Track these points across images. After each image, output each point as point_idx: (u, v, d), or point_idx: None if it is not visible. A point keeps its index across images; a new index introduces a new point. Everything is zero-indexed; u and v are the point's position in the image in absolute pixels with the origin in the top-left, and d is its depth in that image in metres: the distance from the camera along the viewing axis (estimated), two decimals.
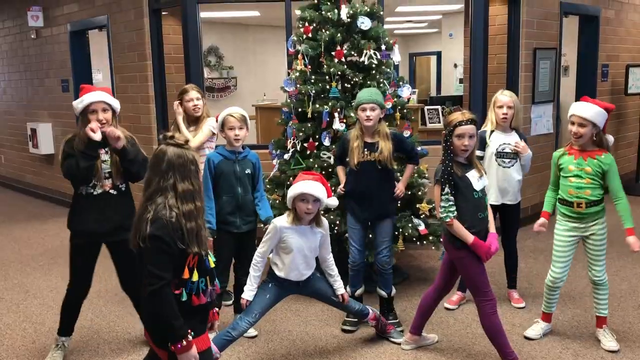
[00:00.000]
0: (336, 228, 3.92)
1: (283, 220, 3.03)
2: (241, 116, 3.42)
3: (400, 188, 3.58)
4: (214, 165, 3.41)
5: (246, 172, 3.45)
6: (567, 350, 3.23)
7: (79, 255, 3.14)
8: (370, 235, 3.72)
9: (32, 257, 5.27)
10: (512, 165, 3.76)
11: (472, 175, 2.95)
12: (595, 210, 3.18)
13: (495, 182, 3.74)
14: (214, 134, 3.98)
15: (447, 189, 2.90)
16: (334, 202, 3.11)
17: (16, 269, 4.95)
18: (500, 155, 3.75)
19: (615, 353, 3.20)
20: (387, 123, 4.13)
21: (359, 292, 3.62)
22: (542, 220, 3.34)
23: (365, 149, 3.43)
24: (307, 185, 2.93)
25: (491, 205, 3.62)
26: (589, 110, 3.12)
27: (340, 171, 3.68)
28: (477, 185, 2.95)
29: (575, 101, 3.57)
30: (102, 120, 3.01)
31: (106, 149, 3.05)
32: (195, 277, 2.10)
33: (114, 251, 3.18)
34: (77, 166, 2.94)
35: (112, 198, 3.08)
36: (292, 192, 2.97)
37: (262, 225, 3.49)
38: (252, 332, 3.44)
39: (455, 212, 2.90)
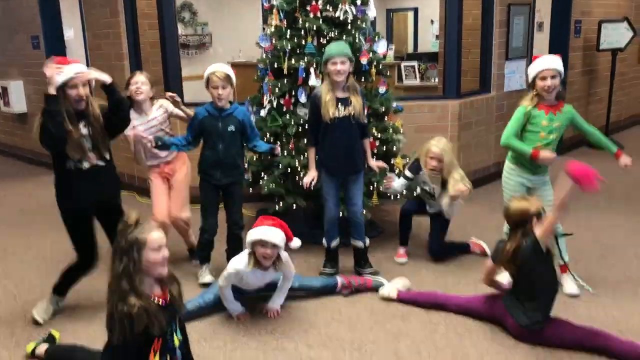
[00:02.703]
0: (300, 183, 3.98)
1: (244, 264, 3.10)
2: (225, 75, 3.46)
3: (375, 164, 3.73)
4: (198, 120, 3.53)
5: (229, 129, 3.51)
6: None
7: (75, 230, 3.18)
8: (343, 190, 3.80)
9: (8, 216, 5.26)
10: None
11: None
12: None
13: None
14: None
15: None
16: (297, 243, 3.18)
17: None
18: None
19: (576, 297, 3.38)
20: (362, 79, 4.20)
21: (334, 244, 3.73)
22: (545, 154, 3.35)
23: (339, 104, 3.47)
24: (266, 232, 3.02)
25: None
26: (558, 62, 3.28)
27: (311, 154, 3.62)
28: None
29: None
30: (81, 96, 2.98)
31: (84, 122, 3.03)
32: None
33: (105, 217, 3.23)
34: (49, 130, 2.91)
35: (100, 170, 3.11)
36: (250, 237, 3.05)
37: (273, 157, 3.82)
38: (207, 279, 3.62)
39: None
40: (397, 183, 3.97)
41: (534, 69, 3.31)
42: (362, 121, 3.54)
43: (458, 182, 3.77)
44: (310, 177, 3.59)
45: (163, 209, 3.80)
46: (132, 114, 3.67)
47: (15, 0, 7.01)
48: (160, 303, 2.28)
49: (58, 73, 2.92)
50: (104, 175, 3.14)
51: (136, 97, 3.74)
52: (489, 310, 3.06)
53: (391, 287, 3.43)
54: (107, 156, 3.15)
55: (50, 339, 2.93)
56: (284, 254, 3.17)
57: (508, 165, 3.53)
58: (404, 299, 3.37)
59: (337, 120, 3.46)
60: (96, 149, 3.08)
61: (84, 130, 3.03)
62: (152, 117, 3.79)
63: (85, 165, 3.06)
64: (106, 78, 3.05)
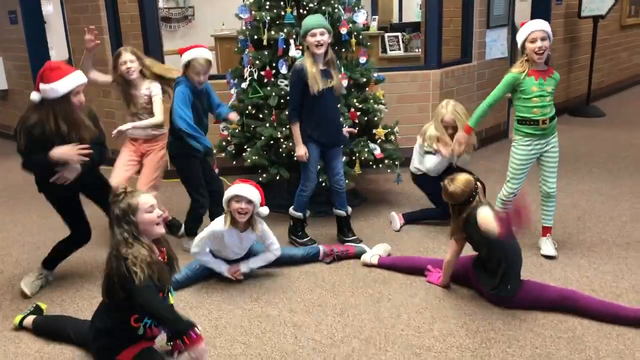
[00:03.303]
0: (294, 155, 4.02)
1: (220, 225, 3.19)
2: (207, 61, 3.50)
3: (347, 130, 3.80)
4: (191, 101, 3.51)
5: (205, 106, 3.69)
6: None
7: (64, 210, 3.22)
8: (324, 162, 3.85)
9: None
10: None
11: None
12: (554, 123, 3.42)
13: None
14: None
15: None
16: (265, 211, 3.25)
17: None
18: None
19: (553, 259, 3.48)
20: (343, 49, 4.21)
21: (307, 215, 3.82)
22: (461, 134, 3.53)
23: (323, 77, 3.49)
24: (241, 187, 3.14)
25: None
26: (546, 24, 3.28)
27: (297, 129, 3.59)
28: None
29: None
30: (76, 104, 2.97)
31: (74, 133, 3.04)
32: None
33: (91, 192, 3.29)
34: (44, 167, 2.96)
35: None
36: (227, 194, 3.15)
37: (226, 121, 3.94)
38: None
39: None
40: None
41: (523, 33, 3.29)
42: (343, 91, 3.57)
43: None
44: (303, 151, 3.59)
45: (120, 176, 3.72)
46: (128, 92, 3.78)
47: None
48: (161, 259, 2.38)
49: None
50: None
51: (129, 77, 3.74)
52: (464, 274, 3.14)
53: (372, 254, 3.51)
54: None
55: (37, 310, 2.98)
56: (260, 219, 3.26)
57: (515, 135, 3.49)
58: (384, 265, 3.45)
59: (325, 91, 3.49)
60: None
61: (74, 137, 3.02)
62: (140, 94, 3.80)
63: None
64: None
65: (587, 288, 3.12)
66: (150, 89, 3.78)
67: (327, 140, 3.64)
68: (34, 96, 2.93)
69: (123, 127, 3.69)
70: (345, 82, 4.08)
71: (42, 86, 2.89)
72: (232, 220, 3.19)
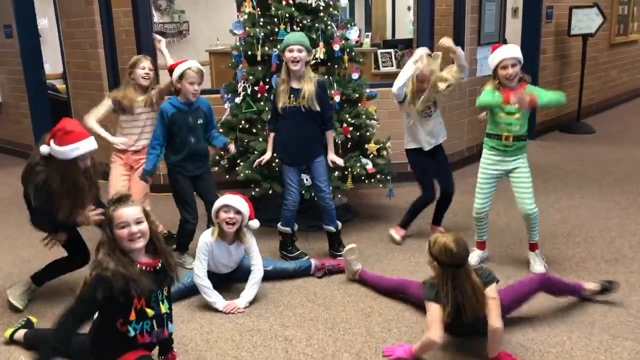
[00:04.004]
0: (277, 168, 4.05)
1: (209, 236, 3.22)
2: (199, 70, 3.57)
3: (331, 159, 3.67)
4: (168, 117, 3.57)
5: (198, 122, 3.66)
6: (501, 274, 3.46)
7: (58, 234, 3.24)
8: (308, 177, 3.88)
9: None
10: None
11: None
12: (520, 145, 3.44)
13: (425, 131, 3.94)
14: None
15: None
16: (255, 224, 3.28)
17: None
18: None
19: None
20: (335, 66, 4.26)
21: (295, 228, 3.85)
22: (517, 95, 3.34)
23: (292, 95, 3.54)
24: (230, 198, 3.19)
25: (427, 151, 3.92)
26: (517, 50, 3.36)
27: (270, 138, 3.72)
28: None
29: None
30: (82, 167, 3.01)
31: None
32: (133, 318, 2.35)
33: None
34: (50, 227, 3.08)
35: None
36: (216, 205, 3.20)
37: (222, 154, 3.91)
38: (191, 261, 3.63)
39: None
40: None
41: (495, 59, 3.36)
42: (314, 108, 3.52)
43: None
44: (261, 158, 3.71)
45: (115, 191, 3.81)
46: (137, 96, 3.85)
47: None
48: (143, 267, 2.35)
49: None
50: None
51: (142, 82, 3.81)
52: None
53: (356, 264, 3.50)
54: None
55: (28, 324, 2.98)
56: (249, 233, 3.29)
57: (483, 153, 3.57)
58: (363, 279, 3.44)
59: (288, 109, 3.55)
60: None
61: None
62: (145, 111, 3.88)
63: None
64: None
65: (577, 303, 3.15)
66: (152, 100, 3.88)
67: (293, 158, 3.68)
68: (44, 150, 2.94)
69: (115, 140, 3.81)
70: (337, 98, 4.14)
71: (52, 145, 2.91)
72: (220, 232, 3.21)
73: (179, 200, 3.72)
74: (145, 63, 3.84)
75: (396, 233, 4.08)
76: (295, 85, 3.54)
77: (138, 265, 2.35)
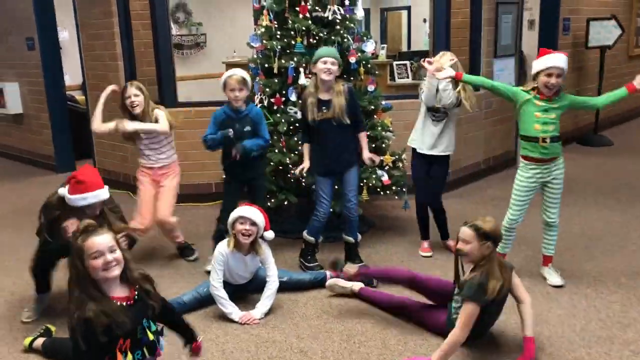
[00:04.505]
0: (303, 180, 4.07)
1: (224, 247, 3.26)
2: (240, 78, 3.66)
3: (367, 156, 3.69)
4: (218, 120, 3.74)
5: (245, 129, 3.72)
6: None
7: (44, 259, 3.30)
8: (336, 186, 3.88)
9: (4, 215, 5.33)
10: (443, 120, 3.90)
11: None
12: (557, 146, 3.39)
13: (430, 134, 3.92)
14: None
15: None
16: (270, 235, 3.31)
17: None
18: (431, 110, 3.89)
19: (560, 287, 3.47)
20: (352, 78, 4.28)
21: (320, 240, 3.86)
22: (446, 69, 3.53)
23: (323, 107, 3.57)
24: (246, 209, 3.24)
25: (425, 155, 3.89)
26: (565, 61, 3.29)
27: (305, 148, 3.75)
28: None
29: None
30: (97, 214, 3.05)
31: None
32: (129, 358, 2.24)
33: None
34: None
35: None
36: (231, 216, 3.24)
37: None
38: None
39: None
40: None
41: (541, 64, 3.29)
42: (344, 122, 3.56)
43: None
44: (300, 167, 3.72)
45: (148, 214, 3.90)
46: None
47: (10, 1, 7.07)
48: (123, 304, 2.23)
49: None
50: None
51: (133, 111, 3.84)
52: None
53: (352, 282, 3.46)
54: None
55: (46, 332, 3.01)
56: (265, 244, 3.31)
57: (520, 161, 3.52)
58: (363, 296, 3.38)
59: (318, 122, 3.59)
60: None
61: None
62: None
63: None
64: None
65: (595, 317, 3.11)
66: (158, 117, 3.89)
67: (327, 169, 3.70)
68: (60, 192, 3.05)
69: (128, 127, 3.81)
70: None
71: (65, 191, 3.02)
72: (235, 243, 3.24)
73: (222, 201, 3.87)
74: (130, 91, 3.82)
75: (426, 246, 4.09)
76: (324, 96, 3.57)
77: (116, 302, 2.21)
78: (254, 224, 3.20)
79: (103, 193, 3.06)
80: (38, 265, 3.30)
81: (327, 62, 3.49)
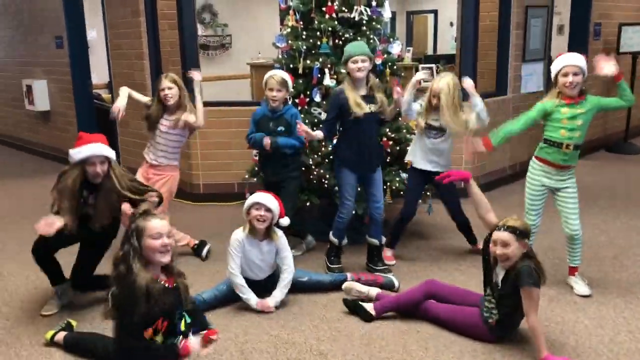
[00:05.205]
0: (325, 182, 4.04)
1: (240, 233, 3.29)
2: (281, 79, 3.75)
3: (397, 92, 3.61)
4: (257, 119, 3.88)
5: (279, 129, 3.77)
6: (544, 297, 3.38)
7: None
8: (359, 188, 3.84)
9: (30, 210, 5.38)
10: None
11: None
12: (575, 154, 3.35)
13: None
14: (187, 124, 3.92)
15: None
16: (285, 221, 3.34)
17: (14, 222, 5.08)
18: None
19: (588, 297, 3.38)
20: (377, 79, 4.23)
21: (344, 242, 3.82)
22: (478, 142, 3.46)
23: (367, 102, 3.53)
24: (261, 196, 3.29)
25: (423, 171, 3.85)
26: (580, 59, 3.26)
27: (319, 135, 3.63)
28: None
29: None
30: (99, 172, 3.07)
31: (93, 195, 3.13)
32: (158, 339, 2.42)
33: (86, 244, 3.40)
34: None
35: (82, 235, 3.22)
36: (247, 202, 3.28)
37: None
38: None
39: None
40: (408, 95, 3.77)
41: (556, 66, 3.28)
42: (389, 116, 3.66)
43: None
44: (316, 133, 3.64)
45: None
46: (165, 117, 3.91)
47: (40, 1, 7.19)
48: (166, 285, 2.37)
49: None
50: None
51: (167, 102, 3.86)
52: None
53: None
54: (107, 222, 3.20)
55: (68, 327, 3.02)
56: (281, 233, 3.34)
57: (532, 161, 3.49)
58: (381, 310, 3.22)
59: (365, 116, 3.52)
60: (95, 219, 3.15)
61: (90, 200, 3.14)
62: (169, 131, 3.92)
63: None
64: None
65: (625, 329, 3.02)
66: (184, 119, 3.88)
67: (364, 166, 3.65)
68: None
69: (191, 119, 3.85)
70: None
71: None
72: (251, 229, 3.27)
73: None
74: (164, 83, 3.84)
75: (385, 258, 3.92)
76: (362, 92, 3.55)
77: (160, 281, 2.38)
78: (268, 210, 3.24)
79: (98, 148, 3.06)
80: (40, 242, 3.27)
81: (357, 60, 3.46)
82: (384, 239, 3.82)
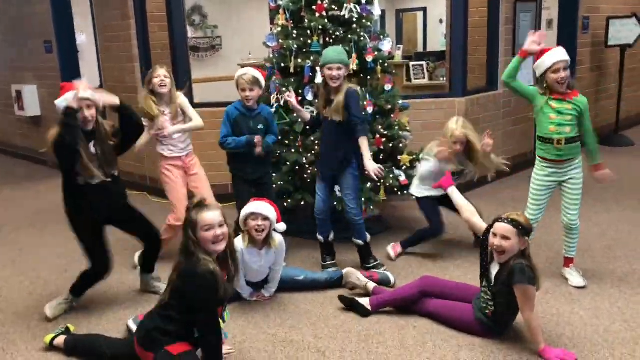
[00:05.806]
0: (308, 180, 4.06)
1: (240, 244, 3.26)
2: (252, 78, 3.69)
3: (367, 166, 3.42)
4: (232, 118, 3.77)
5: (259, 127, 3.78)
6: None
7: (86, 239, 3.26)
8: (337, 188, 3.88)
9: (23, 216, 5.37)
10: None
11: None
12: (574, 147, 3.32)
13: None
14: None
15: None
16: (282, 227, 3.33)
17: (9, 228, 5.06)
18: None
19: (582, 288, 3.41)
20: (368, 77, 4.25)
21: (331, 237, 3.85)
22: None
23: (327, 107, 3.60)
24: (256, 205, 3.25)
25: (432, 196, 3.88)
26: (565, 52, 3.28)
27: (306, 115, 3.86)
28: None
29: None
30: (87, 117, 3.07)
31: (93, 142, 3.13)
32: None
33: (119, 221, 3.36)
34: (66, 143, 2.97)
35: (108, 184, 3.19)
36: (243, 213, 3.26)
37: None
38: None
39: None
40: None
41: (546, 63, 3.24)
42: (336, 120, 3.52)
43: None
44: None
45: (184, 206, 3.82)
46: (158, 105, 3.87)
47: (28, 6, 7.15)
48: (223, 274, 2.49)
49: (84, 90, 3.03)
50: (112, 188, 3.22)
51: (160, 90, 3.85)
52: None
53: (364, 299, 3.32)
54: (115, 172, 3.24)
55: (67, 331, 3.01)
56: (278, 236, 3.33)
57: (536, 159, 3.48)
58: (375, 305, 3.23)
59: (325, 120, 3.64)
60: (102, 168, 3.15)
61: (92, 150, 3.12)
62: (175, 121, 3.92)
63: (95, 180, 3.13)
64: (114, 100, 3.17)
65: (619, 318, 3.05)
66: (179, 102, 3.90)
67: (323, 167, 3.74)
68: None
69: (172, 130, 3.84)
70: (370, 109, 4.12)
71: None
72: (250, 239, 3.26)
73: (236, 202, 3.82)
74: (160, 71, 3.86)
75: (392, 250, 4.01)
76: (332, 96, 3.57)
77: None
78: (266, 218, 3.22)
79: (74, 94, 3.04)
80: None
81: (332, 68, 3.48)
82: (368, 237, 3.81)
